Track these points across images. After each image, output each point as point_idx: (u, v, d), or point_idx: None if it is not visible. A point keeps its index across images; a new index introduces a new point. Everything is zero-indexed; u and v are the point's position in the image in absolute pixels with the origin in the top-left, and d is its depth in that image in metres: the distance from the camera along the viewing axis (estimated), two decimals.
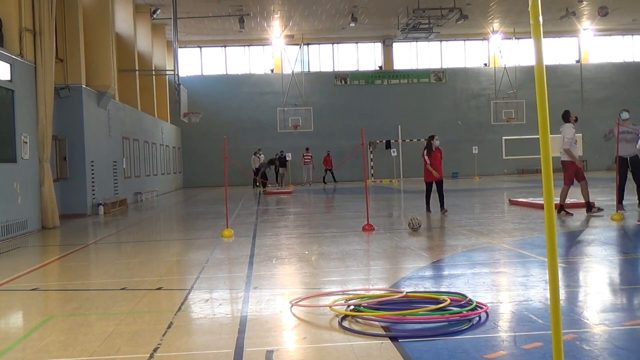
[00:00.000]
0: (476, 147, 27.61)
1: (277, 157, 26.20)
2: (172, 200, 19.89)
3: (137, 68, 19.82)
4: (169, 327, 3.78)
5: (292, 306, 4.16)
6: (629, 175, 10.01)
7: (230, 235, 8.50)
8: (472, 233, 7.99)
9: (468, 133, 30.06)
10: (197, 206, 16.04)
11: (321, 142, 28.80)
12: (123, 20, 19.14)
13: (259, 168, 24.36)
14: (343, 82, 29.89)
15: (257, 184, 25.65)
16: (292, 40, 28.48)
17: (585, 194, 9.74)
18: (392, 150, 27.05)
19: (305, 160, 26.61)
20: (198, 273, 5.72)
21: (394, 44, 30.25)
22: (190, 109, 22.18)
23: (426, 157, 11.25)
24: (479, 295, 4.31)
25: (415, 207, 13.13)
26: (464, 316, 3.63)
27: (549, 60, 29.69)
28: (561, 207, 9.72)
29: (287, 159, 25.99)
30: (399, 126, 28.90)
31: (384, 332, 3.45)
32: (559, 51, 30.67)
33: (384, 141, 29.07)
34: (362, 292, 4.52)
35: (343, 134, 28.96)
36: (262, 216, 12.12)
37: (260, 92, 29.36)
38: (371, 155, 29.02)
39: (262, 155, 25.71)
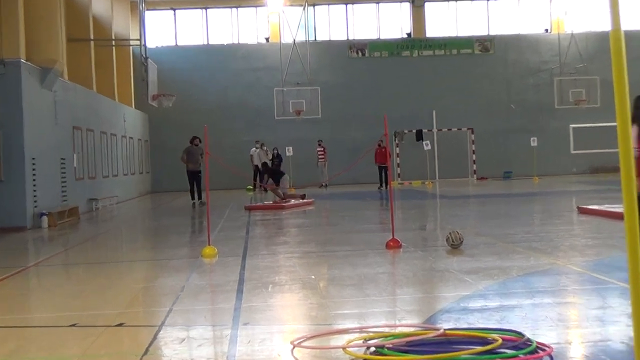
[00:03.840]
0: (535, 138, 27.52)
1: (273, 156, 26.29)
2: (138, 209, 19.94)
3: (92, 37, 19.92)
4: None
5: (294, 348, 4.14)
6: None
7: (213, 254, 8.50)
8: (530, 251, 7.97)
9: (524, 120, 30.00)
10: (170, 216, 16.09)
11: (331, 132, 28.83)
12: None
13: (262, 170, 24.62)
14: (360, 54, 29.92)
15: (256, 187, 25.76)
16: None
17: None
18: (424, 142, 27.06)
19: (320, 156, 26.79)
20: (171, 304, 5.73)
21: (427, 3, 30.24)
22: (162, 90, 22.26)
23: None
24: (541, 333, 4.30)
25: (456, 216, 13.09)
26: None
27: (630, 24, 29.50)
28: None
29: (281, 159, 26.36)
30: (434, 111, 28.80)
31: None
32: None
33: (414, 131, 29.07)
34: (387, 330, 4.53)
35: (360, 122, 28.98)
36: (254, 229, 12.13)
37: (252, 67, 29.47)
38: (397, 149, 29.01)
39: (266, 148, 25.90)
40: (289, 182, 19.01)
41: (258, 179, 25.94)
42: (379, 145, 23.94)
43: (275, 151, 26.65)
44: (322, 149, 26.91)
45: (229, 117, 28.91)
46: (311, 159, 27.12)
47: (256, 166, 25.65)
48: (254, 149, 26.37)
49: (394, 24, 30.31)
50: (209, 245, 8.64)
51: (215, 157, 9.62)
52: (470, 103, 29.72)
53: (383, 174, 24.22)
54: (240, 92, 29.34)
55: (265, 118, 28.50)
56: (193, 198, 18.53)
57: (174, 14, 29.56)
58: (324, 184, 26.25)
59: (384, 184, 24.03)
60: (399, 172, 28.83)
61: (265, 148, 26.05)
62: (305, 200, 17.49)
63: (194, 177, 18.66)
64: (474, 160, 29.12)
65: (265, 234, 11.47)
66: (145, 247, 10.69)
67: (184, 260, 8.50)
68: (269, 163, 25.70)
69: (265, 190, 25.39)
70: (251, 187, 26.44)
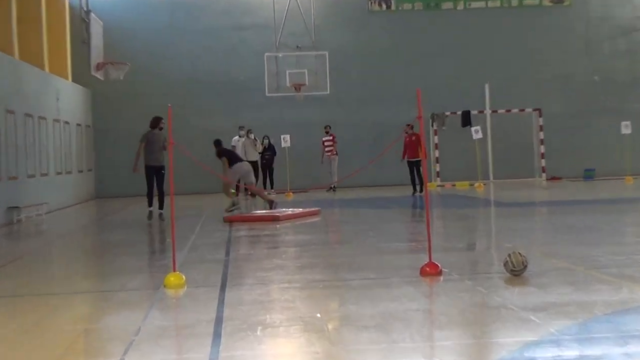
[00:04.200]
0: (627, 123, 27.43)
1: (264, 148, 26.29)
2: (76, 221, 19.92)
3: None
4: None
5: None
6: None
7: (180, 283, 8.45)
8: (621, 280, 7.94)
9: (612, 98, 29.94)
10: (121, 231, 16.07)
11: (343, 114, 28.79)
12: None
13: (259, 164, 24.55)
14: (384, 6, 29.88)
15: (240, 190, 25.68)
16: None
17: None
18: (473, 129, 26.99)
19: (327, 148, 26.80)
20: (122, 354, 5.69)
21: None
22: (110, 56, 22.22)
23: None
24: None
25: (517, 231, 13.04)
26: None
27: None
28: None
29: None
30: (486, 86, 28.72)
31: None
32: None
33: (459, 113, 29.00)
34: None
35: (383, 100, 28.96)
36: (237, 248, 12.12)
37: (234, 25, 29.49)
38: (435, 138, 28.92)
39: (254, 136, 25.81)
40: (248, 176, 18.64)
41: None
42: (408, 132, 23.65)
43: (267, 141, 26.60)
44: (331, 138, 26.87)
45: (202, 94, 28.88)
46: (316, 152, 27.07)
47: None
48: (237, 137, 26.33)
49: None
50: (174, 271, 8.61)
51: (182, 149, 9.54)
52: (538, 74, 29.64)
53: (415, 172, 23.76)
54: (218, 59, 29.30)
55: (253, 95, 28.47)
56: (151, 205, 17.93)
57: None
58: (332, 186, 26.19)
59: (417, 187, 23.64)
60: (438, 170, 28.77)
61: (253, 136, 25.94)
62: (307, 210, 17.45)
63: (156, 176, 18.05)
64: (542, 154, 29.03)
65: (252, 256, 11.43)
66: (86, 274, 10.67)
67: (140, 292, 8.49)
68: (256, 157, 25.73)
69: (253, 195, 25.34)
70: (233, 190, 26.41)
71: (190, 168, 18.52)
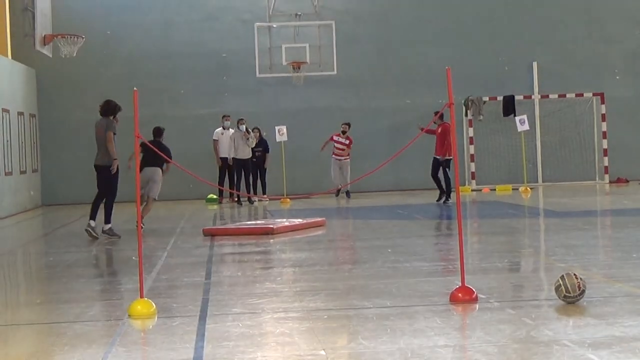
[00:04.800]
0: None
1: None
2: (18, 235, 19.92)
3: None
4: None
5: None
6: None
7: (149, 312, 8.49)
8: None
9: None
10: (75, 248, 16.05)
11: (356, 100, 28.79)
12: None
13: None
14: None
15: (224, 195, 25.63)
16: None
17: None
18: (518, 119, 26.96)
19: (337, 152, 26.71)
20: None
21: None
22: (60, 28, 22.25)
23: None
24: None
25: (572, 248, 13.09)
26: None
27: None
28: None
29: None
30: (534, 64, 28.70)
31: None
32: None
33: (500, 99, 28.95)
34: None
35: (404, 82, 28.91)
36: (221, 269, 12.14)
37: None
38: (470, 130, 28.90)
39: (245, 127, 25.59)
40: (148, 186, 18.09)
41: (228, 180, 25.93)
42: (437, 122, 23.17)
43: (258, 133, 26.50)
44: (347, 142, 26.47)
45: (174, 75, 28.90)
46: (319, 148, 26.97)
47: (224, 160, 25.60)
48: (220, 129, 26.35)
49: None
50: (141, 297, 8.63)
51: (149, 144, 9.59)
52: (600, 51, 29.59)
53: (441, 173, 23.30)
54: (194, 31, 29.31)
55: (240, 76, 28.53)
56: (93, 217, 17.08)
57: None
58: (340, 188, 26.10)
59: (445, 193, 23.15)
60: (472, 170, 28.75)
61: (244, 127, 25.58)
62: (309, 221, 17.48)
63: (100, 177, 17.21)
64: (604, 150, 28.97)
65: (240, 279, 11.44)
66: (30, 302, 10.65)
67: (99, 324, 8.47)
68: (248, 153, 25.69)
69: (239, 202, 25.36)
70: (215, 196, 26.44)
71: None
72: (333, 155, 26.65)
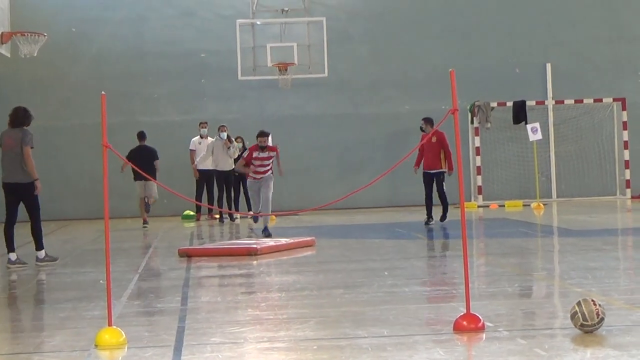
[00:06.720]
0: None
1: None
2: None
3: None
4: None
5: None
6: None
7: (118, 342, 8.46)
8: None
9: None
10: (32, 270, 15.95)
11: (349, 105, 28.94)
12: None
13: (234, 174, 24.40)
14: None
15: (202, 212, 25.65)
16: None
17: None
18: (530, 127, 27.03)
19: (256, 166, 24.82)
20: None
21: None
22: (20, 25, 22.24)
23: None
24: None
25: (590, 271, 13.07)
26: None
27: None
28: None
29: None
30: (548, 66, 28.78)
31: None
32: None
33: (510, 104, 28.99)
34: None
35: (404, 87, 28.95)
36: (198, 294, 12.10)
37: None
38: (476, 140, 28.93)
39: (227, 136, 25.20)
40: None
41: (206, 194, 25.84)
42: (425, 129, 22.20)
43: (241, 143, 26.34)
44: (270, 155, 21.50)
45: (147, 77, 28.99)
46: (308, 158, 26.95)
47: (202, 172, 25.57)
48: (197, 138, 26.37)
49: None
50: (109, 325, 8.61)
51: (119, 155, 9.54)
52: (620, 52, 29.67)
53: (433, 189, 22.28)
54: (169, 28, 29.44)
55: (220, 79, 28.61)
56: (11, 247, 16.46)
57: None
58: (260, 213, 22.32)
59: (432, 214, 22.22)
60: (479, 184, 28.80)
61: (225, 135, 25.24)
62: (296, 240, 17.44)
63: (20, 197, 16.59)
64: (625, 162, 29.07)
65: (219, 304, 11.42)
66: None
67: (62, 355, 8.40)
68: (230, 165, 25.58)
69: (221, 219, 25.23)
70: (192, 212, 26.40)
71: (130, 182, 18.58)
72: (249, 178, 22.31)
